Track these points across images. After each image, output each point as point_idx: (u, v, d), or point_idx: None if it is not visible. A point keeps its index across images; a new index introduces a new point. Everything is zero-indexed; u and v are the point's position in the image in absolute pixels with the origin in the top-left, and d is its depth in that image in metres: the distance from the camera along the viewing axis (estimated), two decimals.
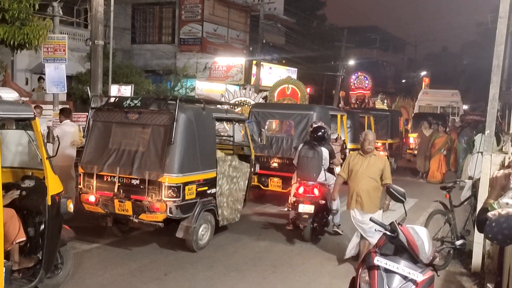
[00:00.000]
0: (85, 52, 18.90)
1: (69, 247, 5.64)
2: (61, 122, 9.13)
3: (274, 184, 10.10)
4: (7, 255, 4.75)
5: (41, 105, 10.77)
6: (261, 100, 15.94)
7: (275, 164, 10.17)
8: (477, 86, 39.74)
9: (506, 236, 2.74)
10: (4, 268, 4.46)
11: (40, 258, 4.97)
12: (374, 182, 6.34)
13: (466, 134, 14.64)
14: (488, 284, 5.48)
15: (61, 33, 12.98)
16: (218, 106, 8.74)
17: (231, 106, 13.95)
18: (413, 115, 23.60)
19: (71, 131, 8.84)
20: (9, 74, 13.49)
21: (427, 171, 15.09)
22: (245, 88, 17.34)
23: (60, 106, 11.52)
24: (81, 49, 19.82)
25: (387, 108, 25.08)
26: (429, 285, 3.72)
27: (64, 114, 9.27)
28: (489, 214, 2.86)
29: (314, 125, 8.21)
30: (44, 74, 12.35)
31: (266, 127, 10.67)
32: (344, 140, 11.93)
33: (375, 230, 5.65)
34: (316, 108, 10.85)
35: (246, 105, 15.29)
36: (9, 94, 4.74)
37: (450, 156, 15.09)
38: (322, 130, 7.96)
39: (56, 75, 11.72)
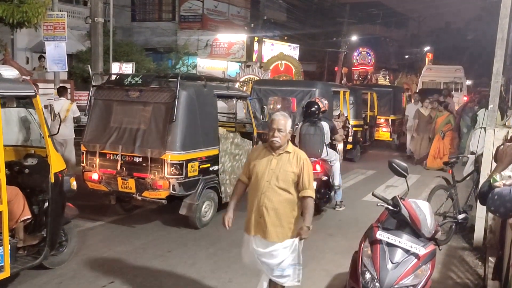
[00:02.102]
0: (85, 30, 18.76)
1: (73, 225, 5.68)
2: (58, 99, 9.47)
3: None
4: (12, 233, 4.79)
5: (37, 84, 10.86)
6: (266, 77, 15.84)
7: None
8: (481, 62, 39.42)
9: (508, 209, 2.74)
10: (9, 246, 4.51)
11: (45, 235, 5.02)
12: (285, 194, 3.98)
13: (470, 111, 14.27)
14: (490, 258, 5.51)
15: (60, 10, 12.83)
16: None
17: (240, 85, 13.88)
18: (417, 91, 23.44)
19: (57, 108, 9.07)
20: (9, 52, 13.43)
21: (425, 156, 13.00)
22: (248, 66, 17.21)
23: (61, 85, 11.54)
24: (80, 27, 19.65)
25: (389, 84, 24.92)
26: (431, 258, 3.75)
27: (58, 92, 9.58)
28: (499, 183, 2.85)
29: (307, 101, 8.20)
30: (45, 53, 12.29)
31: (270, 104, 10.62)
32: (347, 116, 11.91)
33: (292, 265, 3.99)
34: (318, 84, 10.81)
35: (250, 82, 15.22)
36: (10, 72, 4.72)
37: (456, 138, 13.36)
38: (316, 106, 7.91)
39: (56, 53, 11.67)
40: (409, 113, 14.36)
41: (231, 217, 4.30)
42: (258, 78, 15.31)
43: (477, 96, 18.77)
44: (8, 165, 4.87)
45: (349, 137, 12.03)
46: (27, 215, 4.88)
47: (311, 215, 3.94)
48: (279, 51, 20.96)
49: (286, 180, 3.98)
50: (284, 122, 3.97)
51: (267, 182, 4.01)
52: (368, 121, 14.33)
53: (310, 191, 3.97)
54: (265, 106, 9.56)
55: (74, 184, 5.34)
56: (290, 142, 4.09)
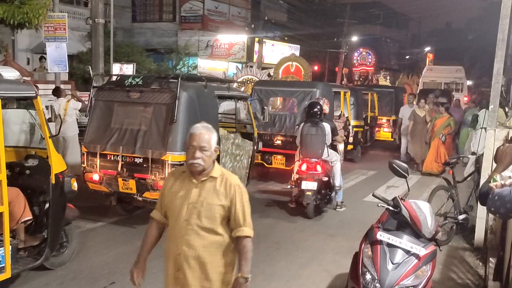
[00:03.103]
0: (85, 31, 18.78)
1: (74, 226, 5.69)
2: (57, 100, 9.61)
3: (278, 162, 10.12)
4: (13, 234, 4.79)
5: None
6: (265, 77, 15.85)
7: (279, 142, 10.17)
8: (482, 62, 39.47)
9: (508, 209, 2.74)
10: (10, 247, 4.52)
11: (45, 236, 5.02)
12: (211, 236, 2.95)
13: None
14: (490, 259, 5.51)
15: (60, 11, 12.87)
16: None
17: (238, 85, 13.87)
18: (418, 91, 23.43)
19: (57, 109, 9.39)
20: (10, 53, 13.45)
21: (423, 160, 12.13)
22: (247, 66, 17.21)
23: (62, 86, 11.58)
24: (81, 28, 19.69)
25: (390, 85, 24.94)
26: (431, 259, 3.75)
27: (54, 94, 9.74)
28: (493, 184, 2.85)
29: (310, 102, 8.23)
30: (46, 54, 12.31)
31: (272, 105, 10.62)
32: (348, 117, 11.91)
33: None
34: (319, 85, 10.80)
35: (250, 83, 15.20)
36: (10, 73, 4.74)
37: (455, 142, 12.99)
38: (318, 106, 7.92)
39: (57, 54, 11.71)
40: (402, 115, 13.61)
41: (143, 269, 3.15)
42: (256, 79, 15.33)
43: (476, 96, 18.72)
44: (9, 166, 4.88)
45: (349, 138, 12.03)
46: (28, 216, 4.89)
47: (248, 262, 2.93)
48: (286, 52, 21.03)
49: (211, 217, 2.91)
50: (208, 137, 2.94)
51: (185, 222, 2.94)
52: (368, 121, 14.33)
53: (247, 229, 2.94)
54: (265, 107, 9.57)
55: (75, 185, 5.35)
56: (216, 164, 3.03)
